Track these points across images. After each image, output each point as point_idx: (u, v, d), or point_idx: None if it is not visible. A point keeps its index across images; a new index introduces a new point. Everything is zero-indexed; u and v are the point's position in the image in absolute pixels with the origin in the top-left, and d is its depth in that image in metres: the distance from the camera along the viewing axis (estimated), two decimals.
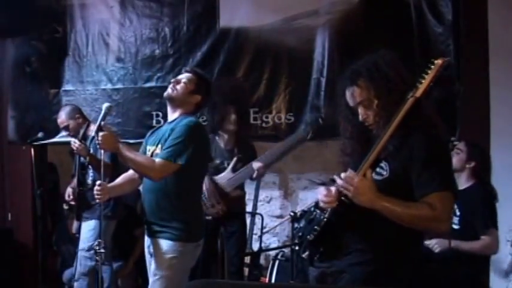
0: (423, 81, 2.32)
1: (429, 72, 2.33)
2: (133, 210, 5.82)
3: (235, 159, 4.74)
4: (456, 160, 4.12)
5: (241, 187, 4.88)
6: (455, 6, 4.91)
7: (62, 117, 4.97)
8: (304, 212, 4.52)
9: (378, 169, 2.42)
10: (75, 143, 4.50)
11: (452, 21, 4.92)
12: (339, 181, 2.37)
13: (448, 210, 2.34)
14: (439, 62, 2.35)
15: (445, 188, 2.31)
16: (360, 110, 2.48)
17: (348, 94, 2.51)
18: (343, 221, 2.46)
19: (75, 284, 4.85)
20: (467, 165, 4.12)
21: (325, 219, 2.50)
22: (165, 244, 3.47)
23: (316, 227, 2.54)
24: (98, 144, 3.54)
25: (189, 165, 3.41)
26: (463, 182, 4.14)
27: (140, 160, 3.50)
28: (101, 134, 3.50)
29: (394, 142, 2.37)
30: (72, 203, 4.87)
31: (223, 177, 4.68)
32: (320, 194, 2.53)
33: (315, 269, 2.61)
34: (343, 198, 2.42)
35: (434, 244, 3.98)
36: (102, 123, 3.67)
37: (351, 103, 2.51)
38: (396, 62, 2.51)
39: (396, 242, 2.40)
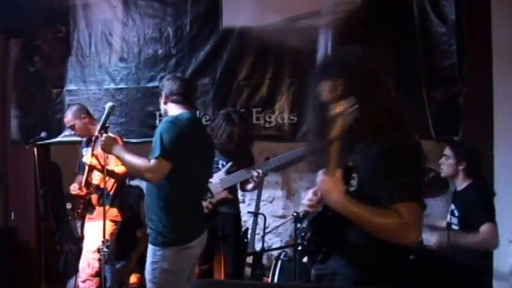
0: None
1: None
2: (136, 211, 5.84)
3: (230, 163, 4.77)
4: (446, 166, 4.16)
5: (231, 191, 4.89)
6: (458, 6, 4.90)
7: (69, 116, 4.98)
8: (306, 213, 4.52)
9: (351, 181, 2.36)
10: (74, 190, 4.57)
11: (456, 21, 4.91)
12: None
13: (415, 220, 2.20)
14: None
15: (410, 199, 2.20)
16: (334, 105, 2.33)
17: (321, 89, 2.41)
18: (330, 225, 2.41)
19: (82, 285, 4.85)
20: (460, 167, 4.13)
21: (312, 228, 2.49)
22: (149, 248, 3.51)
23: (305, 234, 2.55)
24: (101, 146, 3.66)
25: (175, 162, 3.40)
26: (459, 183, 4.17)
27: (137, 163, 3.50)
28: (104, 135, 3.61)
29: (360, 153, 2.34)
30: (78, 191, 4.86)
31: (216, 177, 4.71)
32: (306, 198, 2.51)
33: (314, 271, 2.60)
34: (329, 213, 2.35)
35: (430, 236, 3.98)
36: (107, 122, 3.74)
37: (325, 98, 2.39)
38: (371, 57, 2.42)
39: (384, 243, 2.29)
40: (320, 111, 2.42)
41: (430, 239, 4.00)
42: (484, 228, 3.88)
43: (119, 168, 4.49)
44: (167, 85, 3.68)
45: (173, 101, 3.65)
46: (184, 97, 3.65)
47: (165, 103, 3.68)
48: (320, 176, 2.29)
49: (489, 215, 3.94)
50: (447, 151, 4.19)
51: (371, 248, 2.32)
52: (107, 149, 3.64)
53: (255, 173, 4.75)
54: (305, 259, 2.69)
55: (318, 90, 2.43)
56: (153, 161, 3.37)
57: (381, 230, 2.21)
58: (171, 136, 3.39)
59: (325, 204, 2.36)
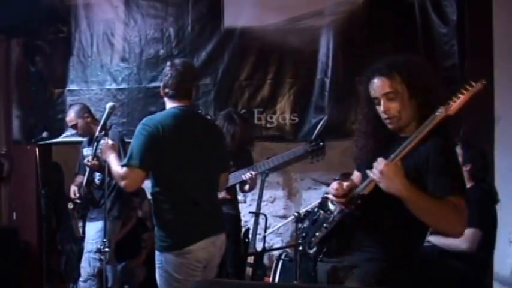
0: (457, 99, 2.35)
1: (465, 92, 2.35)
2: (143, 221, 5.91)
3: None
4: None
5: (230, 191, 4.88)
6: (459, 6, 4.91)
7: (71, 115, 4.98)
8: (308, 213, 4.53)
9: None
10: (88, 161, 4.53)
11: (457, 22, 4.92)
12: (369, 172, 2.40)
13: (466, 214, 2.32)
14: (479, 85, 2.36)
15: (462, 194, 2.34)
16: (383, 101, 2.48)
17: (375, 83, 2.51)
18: (355, 221, 2.50)
19: (83, 284, 4.86)
20: (464, 168, 4.12)
21: (335, 219, 2.56)
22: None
23: (326, 225, 2.59)
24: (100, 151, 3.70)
25: (151, 166, 3.28)
26: None
27: (114, 170, 3.44)
28: (102, 142, 3.64)
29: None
30: (78, 201, 4.89)
31: None
32: (331, 187, 2.55)
33: (325, 263, 2.63)
34: (359, 201, 2.45)
35: None
36: (108, 122, 3.77)
37: (375, 93, 2.51)
38: (429, 67, 2.60)
39: (404, 240, 2.45)
40: (367, 109, 2.59)
41: None
42: (468, 232, 3.87)
43: None
44: (164, 75, 3.49)
45: (166, 95, 3.47)
46: (176, 91, 3.43)
47: (163, 96, 3.52)
48: (381, 161, 2.34)
49: (477, 220, 3.92)
50: (458, 149, 4.19)
51: (393, 246, 2.43)
52: (103, 156, 3.68)
53: (248, 175, 4.75)
54: (312, 250, 2.66)
55: (371, 85, 2.52)
56: (123, 169, 3.29)
57: (437, 214, 2.29)
58: (140, 141, 3.26)
59: (356, 199, 2.45)
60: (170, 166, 3.33)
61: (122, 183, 3.34)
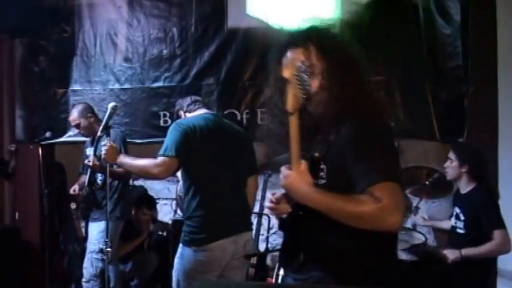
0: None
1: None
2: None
3: None
4: (451, 169, 4.18)
5: None
6: (463, 7, 4.90)
7: (74, 115, 4.98)
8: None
9: (321, 173, 2.11)
10: (89, 161, 4.54)
11: (461, 23, 4.91)
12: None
13: (396, 201, 1.92)
14: None
15: (387, 179, 1.94)
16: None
17: (289, 58, 2.19)
18: (302, 229, 2.16)
19: (85, 285, 4.86)
20: (463, 170, 4.13)
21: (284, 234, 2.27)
22: None
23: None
24: (103, 156, 3.77)
25: (184, 158, 3.45)
26: (463, 186, 4.17)
27: (143, 162, 3.55)
28: (104, 147, 3.71)
29: (325, 141, 2.12)
30: (76, 192, 4.90)
31: None
32: (267, 203, 2.33)
33: (291, 280, 2.27)
34: (300, 212, 2.12)
35: (446, 254, 3.98)
36: (110, 122, 3.78)
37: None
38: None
39: (365, 245, 2.05)
40: (282, 88, 2.16)
41: (447, 256, 4.01)
42: (498, 234, 3.88)
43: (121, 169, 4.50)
44: (180, 104, 3.84)
45: (189, 111, 3.76)
46: (198, 102, 3.80)
47: (185, 118, 3.77)
48: (283, 171, 2.08)
49: (500, 220, 3.94)
50: (450, 154, 4.20)
51: (351, 252, 2.08)
52: (110, 159, 3.74)
53: None
54: (281, 272, 2.47)
55: (284, 61, 2.20)
56: (159, 158, 3.42)
57: (356, 219, 1.94)
58: (174, 135, 3.45)
59: (295, 205, 2.14)
60: (199, 164, 3.53)
61: (156, 171, 3.44)
